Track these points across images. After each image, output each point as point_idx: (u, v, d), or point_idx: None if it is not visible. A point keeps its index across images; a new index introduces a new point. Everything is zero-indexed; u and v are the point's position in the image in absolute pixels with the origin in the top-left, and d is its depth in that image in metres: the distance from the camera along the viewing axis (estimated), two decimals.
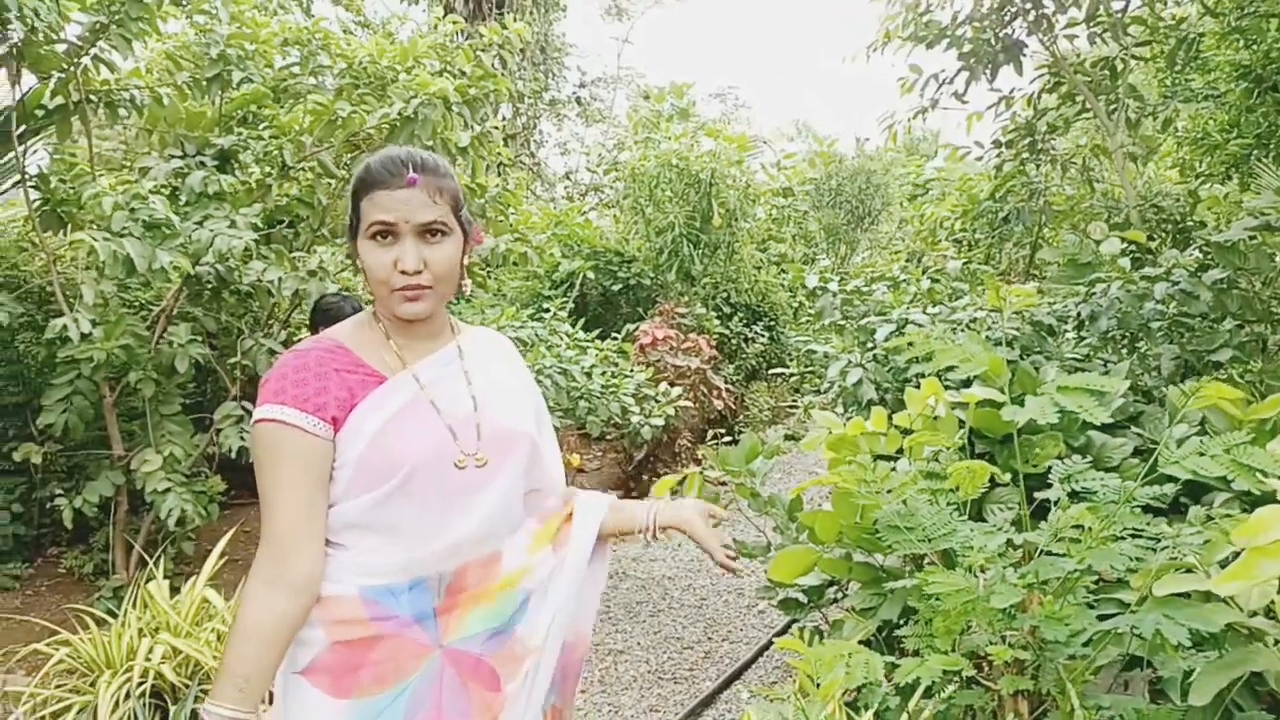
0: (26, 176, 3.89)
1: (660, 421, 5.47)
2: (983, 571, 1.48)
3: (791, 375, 5.13)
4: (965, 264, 3.77)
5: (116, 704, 2.56)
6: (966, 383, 3.25)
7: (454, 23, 4.23)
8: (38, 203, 3.94)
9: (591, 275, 8.09)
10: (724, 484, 6.30)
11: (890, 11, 5.22)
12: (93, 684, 2.68)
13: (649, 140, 8.66)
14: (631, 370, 5.86)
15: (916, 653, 1.53)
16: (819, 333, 4.53)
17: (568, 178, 13.54)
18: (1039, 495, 1.57)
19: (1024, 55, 5.19)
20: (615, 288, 8.55)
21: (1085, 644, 1.42)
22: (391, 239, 1.36)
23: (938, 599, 1.42)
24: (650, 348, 6.95)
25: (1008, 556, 1.56)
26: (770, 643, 4.08)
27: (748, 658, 3.92)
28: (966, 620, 1.47)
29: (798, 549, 2.43)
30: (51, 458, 3.86)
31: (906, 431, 2.18)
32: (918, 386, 3.60)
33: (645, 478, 6.89)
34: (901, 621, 2.85)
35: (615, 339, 6.40)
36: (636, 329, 7.30)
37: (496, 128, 4.29)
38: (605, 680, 3.72)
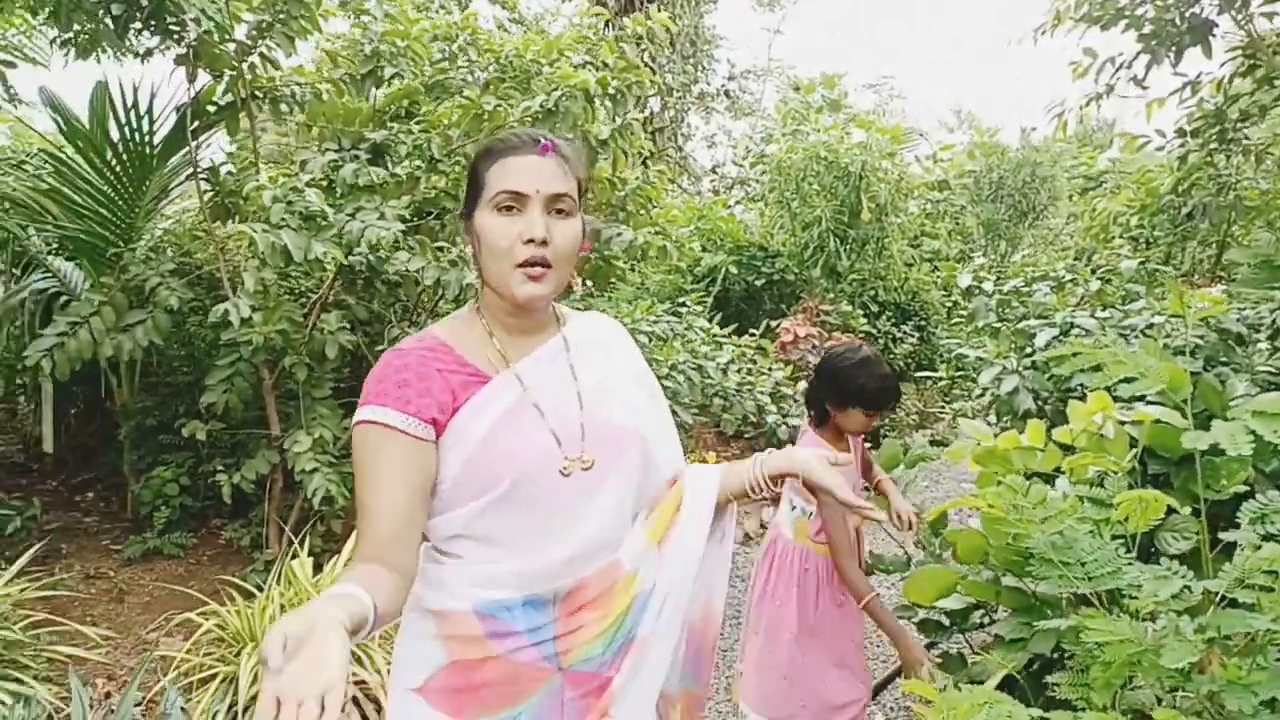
0: (198, 170, 4.15)
1: (798, 421, 5.31)
2: (1152, 619, 1.30)
3: (941, 380, 4.86)
4: (1142, 263, 3.43)
5: (255, 676, 2.67)
6: (1140, 395, 2.96)
7: (597, 14, 4.21)
8: (208, 194, 4.21)
9: (734, 270, 7.96)
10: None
11: None
12: (237, 655, 2.81)
13: (797, 133, 8.44)
14: (770, 368, 5.71)
15: (1068, 702, 1.37)
16: (972, 335, 4.26)
17: (714, 171, 13.44)
18: (1225, 536, 1.37)
19: (1213, 36, 4.69)
20: (758, 283, 8.38)
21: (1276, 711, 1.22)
22: (517, 210, 1.29)
23: (1098, 646, 1.26)
24: (791, 345, 6.77)
25: (1182, 599, 1.37)
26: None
27: (884, 677, 3.73)
28: (1130, 673, 1.29)
29: (937, 569, 2.25)
30: (216, 435, 4.10)
31: (1067, 449, 1.97)
32: (1083, 398, 3.32)
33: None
34: (1055, 655, 2.62)
35: (753, 335, 6.26)
36: (777, 326, 7.13)
37: (638, 119, 4.24)
38: (732, 689, 3.62)
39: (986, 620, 2.92)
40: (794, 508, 2.66)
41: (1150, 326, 3.08)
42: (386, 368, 1.29)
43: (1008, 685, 2.16)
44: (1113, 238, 5.25)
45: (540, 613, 1.33)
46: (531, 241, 1.27)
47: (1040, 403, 3.10)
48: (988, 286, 3.35)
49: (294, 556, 3.29)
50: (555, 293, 1.35)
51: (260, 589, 3.18)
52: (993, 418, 3.63)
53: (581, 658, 1.35)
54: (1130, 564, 1.36)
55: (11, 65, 4.04)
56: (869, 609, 2.39)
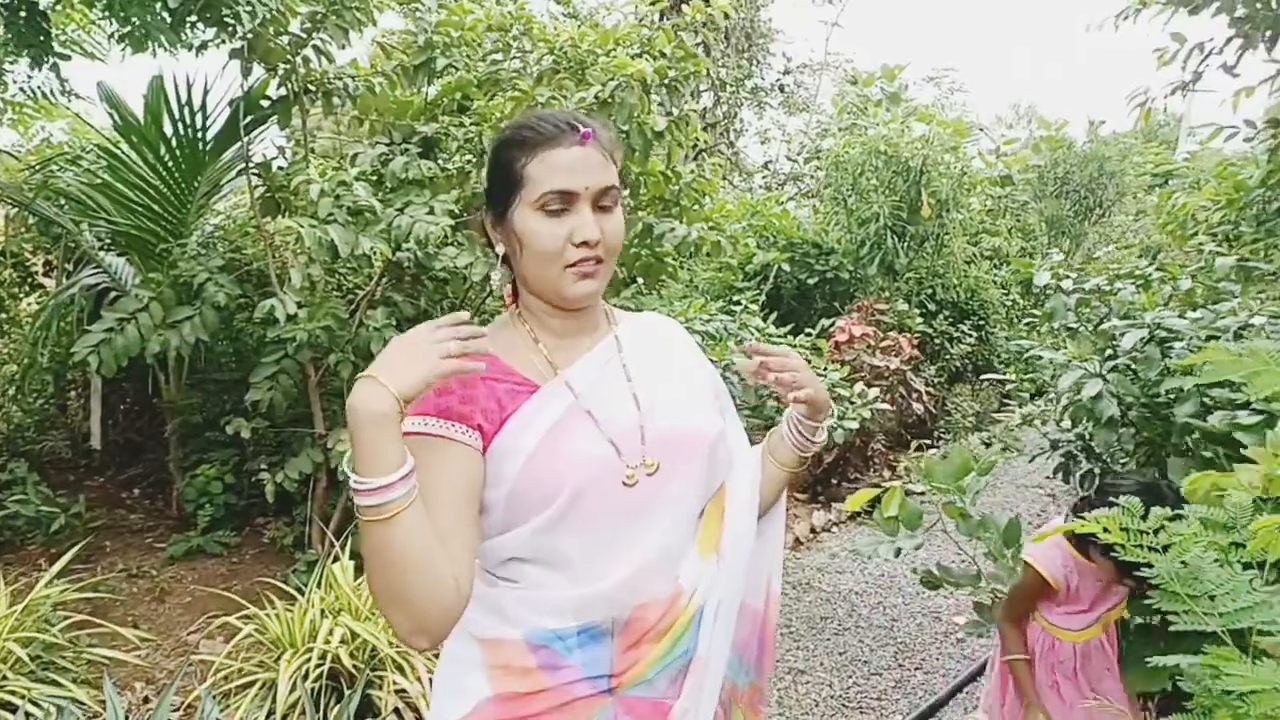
0: (250, 165, 4.10)
1: (855, 424, 5.10)
2: None
3: (1009, 382, 4.61)
4: (1240, 260, 3.19)
5: (294, 684, 2.58)
6: (1243, 404, 2.73)
7: (653, 2, 4.07)
8: (259, 189, 4.15)
9: (786, 268, 7.75)
10: (920, 493, 5.84)
11: None
12: (276, 660, 2.73)
13: (854, 127, 8.20)
14: (825, 369, 5.52)
15: None
16: (1044, 336, 4.03)
17: (766, 167, 13.19)
18: None
19: None
20: (811, 281, 8.16)
21: None
22: (564, 209, 1.18)
23: (1239, 696, 1.09)
24: (846, 345, 6.56)
25: None
26: (971, 679, 3.68)
27: (944, 693, 3.54)
28: None
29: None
30: (261, 433, 4.04)
31: None
32: (1170, 403, 3.09)
33: (835, 482, 6.52)
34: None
35: (809, 335, 6.06)
36: (832, 325, 6.91)
37: (695, 110, 4.09)
38: (784, 702, 3.46)
39: None
40: None
41: (1245, 328, 2.84)
42: None
43: None
44: (1194, 234, 4.95)
45: (597, 644, 1.21)
46: (585, 244, 1.18)
47: (1124, 408, 2.88)
48: (1066, 284, 3.13)
49: (335, 559, 3.20)
50: (603, 289, 1.26)
51: (301, 591, 3.10)
52: (1068, 423, 3.42)
53: (635, 682, 1.22)
54: (1270, 594, 1.18)
55: (66, 58, 4.02)
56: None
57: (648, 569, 1.23)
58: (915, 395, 6.77)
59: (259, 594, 3.33)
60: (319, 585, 3.02)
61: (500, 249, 1.26)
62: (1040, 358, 3.35)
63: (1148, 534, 1.24)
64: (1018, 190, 9.11)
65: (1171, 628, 1.18)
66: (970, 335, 8.44)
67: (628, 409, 1.27)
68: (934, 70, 12.30)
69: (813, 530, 5.64)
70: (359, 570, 3.17)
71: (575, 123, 1.20)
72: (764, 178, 13.02)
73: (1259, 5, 3.84)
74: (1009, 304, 9.11)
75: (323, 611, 2.85)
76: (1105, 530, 1.24)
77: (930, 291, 8.38)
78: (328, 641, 2.71)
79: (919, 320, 7.83)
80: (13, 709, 2.48)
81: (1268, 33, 3.94)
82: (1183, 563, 1.23)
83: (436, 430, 1.15)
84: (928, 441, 7.17)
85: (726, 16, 3.89)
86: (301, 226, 3.29)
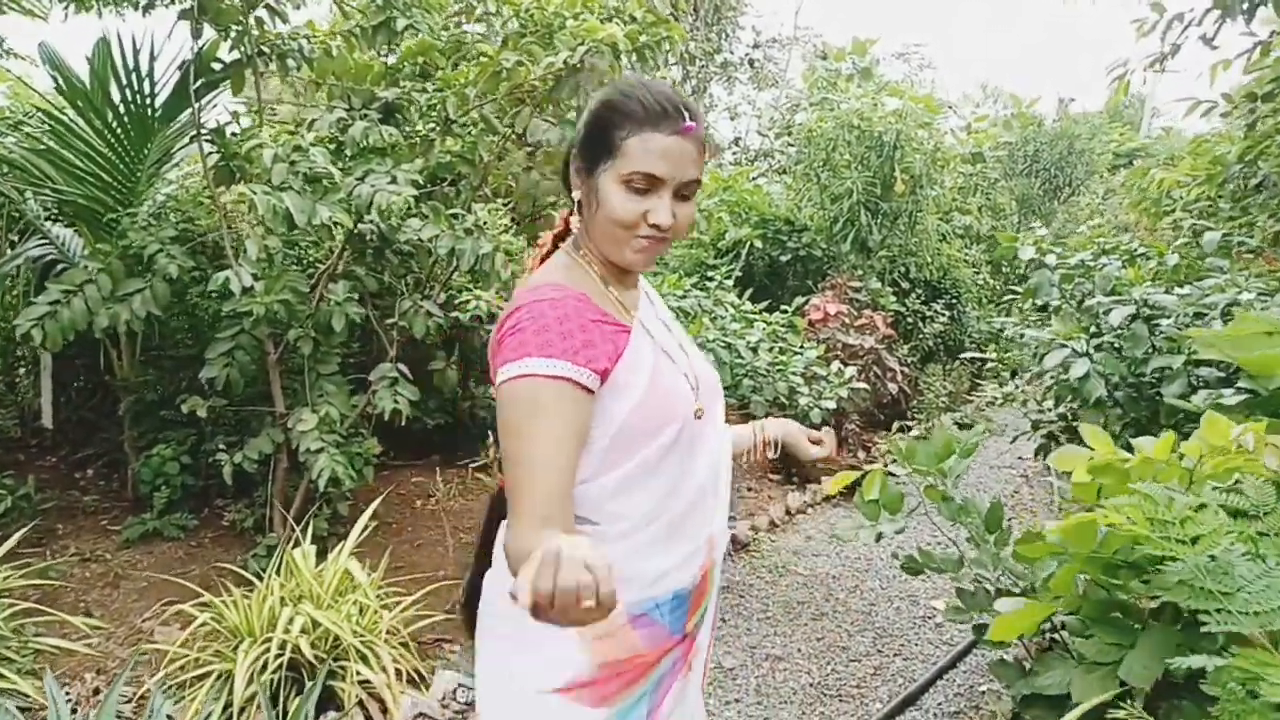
0: (202, 131, 3.90)
1: (832, 404, 5.03)
2: None
3: (990, 361, 4.55)
4: (1226, 235, 3.13)
5: (252, 676, 2.46)
6: (1227, 381, 2.68)
7: None
8: (212, 157, 3.96)
9: (759, 244, 7.64)
10: (898, 476, 5.78)
11: None
12: (234, 649, 2.60)
13: (826, 101, 8.08)
14: (801, 347, 5.43)
15: None
16: (1023, 314, 3.98)
17: (736, 143, 13.05)
18: None
19: None
20: (783, 258, 8.06)
21: None
22: (648, 190, 1.24)
23: (1275, 708, 1.00)
24: (821, 324, 6.48)
25: None
26: (951, 665, 3.64)
27: (924, 679, 3.49)
28: None
29: (1036, 604, 1.96)
30: (218, 412, 3.87)
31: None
32: (1156, 382, 3.03)
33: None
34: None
35: (785, 312, 5.97)
36: (806, 303, 6.83)
37: (664, 77, 3.95)
38: (762, 689, 3.38)
39: (1053, 628, 2.67)
40: None
41: (1234, 304, 2.79)
42: (544, 319, 1.19)
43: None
44: (1170, 211, 4.90)
45: (682, 606, 1.36)
46: (656, 226, 1.25)
47: (1111, 388, 2.82)
48: (1050, 260, 3.06)
49: (296, 544, 3.06)
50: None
51: (261, 577, 2.96)
52: (1051, 403, 3.37)
53: (693, 623, 1.43)
54: None
55: (0, 12, 3.78)
56: None
57: (702, 503, 1.38)
58: (890, 375, 6.72)
59: (217, 580, 3.19)
60: (278, 571, 2.88)
61: (576, 195, 1.32)
62: (1023, 336, 3.29)
63: (1174, 524, 1.15)
64: (989, 168, 9.07)
65: (1204, 628, 1.09)
66: (943, 314, 8.42)
67: (680, 355, 1.39)
68: (903, 46, 12.19)
69: (788, 512, 5.57)
70: (321, 556, 3.04)
71: (681, 108, 1.24)
72: (734, 153, 12.89)
73: None
74: (980, 283, 9.09)
75: (283, 599, 2.71)
76: (1130, 521, 1.15)
77: (904, 269, 8.32)
78: (288, 631, 2.57)
79: (892, 299, 7.78)
80: None
81: (1245, 4, 3.89)
82: (1211, 556, 1.15)
83: (569, 374, 1.16)
84: (907, 423, 7.13)
85: None
86: (255, 194, 3.12)
